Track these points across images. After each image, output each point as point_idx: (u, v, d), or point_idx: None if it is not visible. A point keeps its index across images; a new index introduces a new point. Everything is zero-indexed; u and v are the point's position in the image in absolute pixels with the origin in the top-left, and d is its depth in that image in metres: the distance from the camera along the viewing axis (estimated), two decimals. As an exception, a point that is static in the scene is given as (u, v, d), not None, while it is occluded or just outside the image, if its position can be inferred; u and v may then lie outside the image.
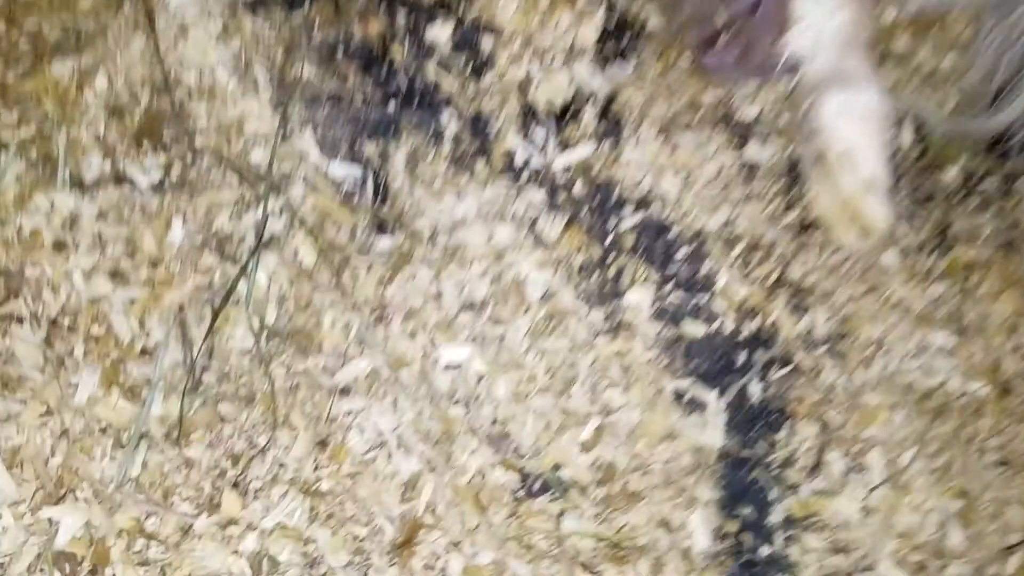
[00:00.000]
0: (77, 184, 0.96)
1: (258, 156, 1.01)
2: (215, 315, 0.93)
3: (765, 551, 0.98)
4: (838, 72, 1.03)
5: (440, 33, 1.09)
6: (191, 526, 0.86)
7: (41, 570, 0.83)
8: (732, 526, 0.98)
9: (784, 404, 1.03)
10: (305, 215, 0.99)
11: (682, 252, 1.07)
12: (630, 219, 1.07)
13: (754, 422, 1.02)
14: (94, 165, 0.97)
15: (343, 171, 1.03)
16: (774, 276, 1.08)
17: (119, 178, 0.97)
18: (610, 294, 1.03)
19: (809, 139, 1.03)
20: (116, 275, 0.93)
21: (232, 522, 0.87)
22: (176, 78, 1.01)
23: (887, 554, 0.98)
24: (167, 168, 0.98)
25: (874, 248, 1.03)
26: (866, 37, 1.05)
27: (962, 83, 1.16)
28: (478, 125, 1.08)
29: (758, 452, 1.01)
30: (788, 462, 1.01)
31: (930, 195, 1.15)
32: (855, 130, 1.01)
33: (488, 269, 1.00)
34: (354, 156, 1.04)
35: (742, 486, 1.00)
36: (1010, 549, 0.99)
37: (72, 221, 0.95)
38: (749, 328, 1.05)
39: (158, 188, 0.97)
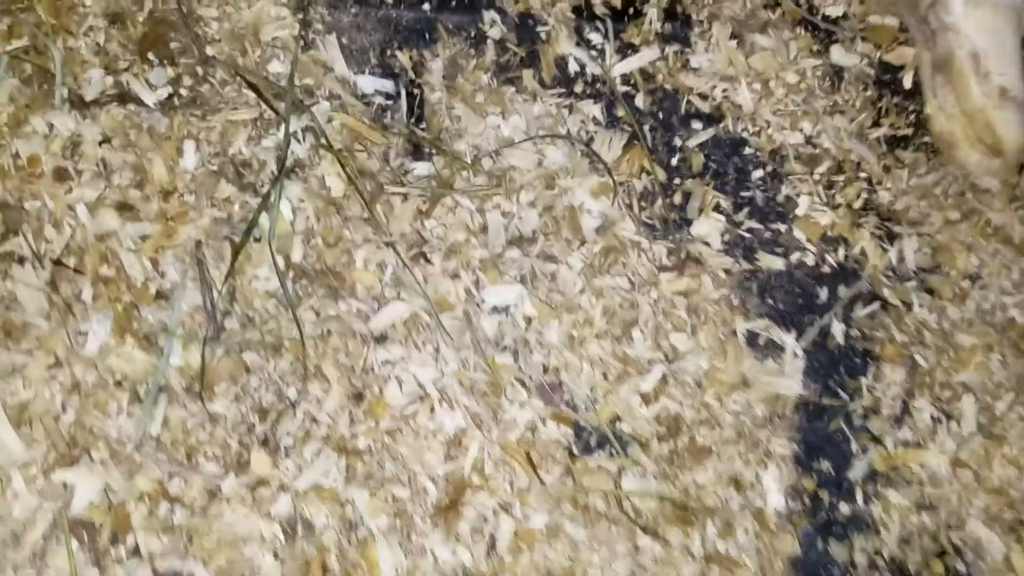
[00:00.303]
0: (77, 103, 0.85)
1: (277, 68, 0.89)
2: (235, 253, 0.83)
3: (845, 509, 0.89)
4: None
5: (481, -83, 0.95)
6: (218, 488, 0.79)
7: (57, 539, 0.77)
8: (809, 483, 0.89)
9: (869, 346, 0.92)
10: (332, 137, 0.87)
11: (758, 174, 0.94)
12: (699, 136, 0.94)
13: (835, 367, 0.92)
14: (94, 81, 0.85)
15: (373, 85, 0.92)
16: (860, 200, 0.95)
17: (123, 96, 0.86)
18: (675, 224, 0.92)
19: (931, 39, 0.89)
20: (124, 208, 0.83)
21: (262, 483, 0.80)
22: (181, -23, 0.88)
23: (977, 511, 0.89)
24: (176, 83, 0.87)
25: (1004, 171, 0.89)
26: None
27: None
28: (526, 27, 0.95)
29: (839, 400, 0.91)
30: (872, 411, 0.91)
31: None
32: (988, 28, 0.86)
33: (538, 198, 0.89)
34: (385, 67, 0.92)
35: (821, 438, 0.90)
36: (1117, 508, 0.89)
37: (73, 146, 0.85)
38: (832, 261, 0.93)
39: (167, 106, 0.86)
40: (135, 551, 0.78)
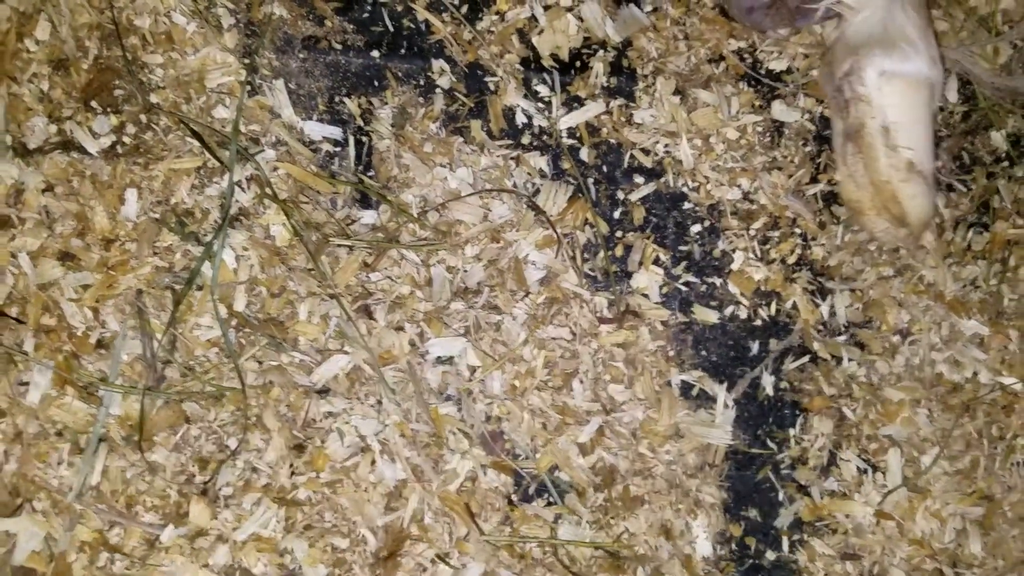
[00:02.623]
0: (20, 150, 0.84)
1: (223, 114, 0.89)
2: (177, 302, 0.83)
3: (771, 556, 0.93)
4: (885, 30, 0.90)
5: (431, -31, 0.95)
6: (157, 538, 0.80)
7: (-4, 588, 0.77)
8: (736, 530, 0.93)
9: (798, 398, 0.96)
10: (278, 185, 0.88)
11: (696, 228, 0.97)
12: (641, 190, 0.96)
13: (765, 418, 0.95)
14: (38, 128, 0.85)
15: (321, 131, 0.92)
16: (794, 256, 0.98)
17: (67, 143, 0.85)
18: (616, 276, 0.94)
19: (844, 108, 0.91)
20: (66, 257, 0.83)
21: (201, 533, 0.81)
22: (127, 23, 0.88)
23: (899, 561, 0.93)
24: (119, 131, 0.87)
25: (909, 240, 0.92)
26: (920, -11, 0.92)
27: (1019, 31, 1.03)
28: (475, 77, 0.96)
29: (768, 450, 0.94)
30: (799, 461, 0.95)
31: (973, 163, 1.04)
32: (900, 102, 0.89)
33: (483, 251, 0.90)
34: (333, 114, 0.93)
35: (749, 487, 0.94)
36: (1029, 559, 0.94)
37: (16, 193, 0.85)
38: (764, 314, 0.96)
39: (109, 154, 0.86)
40: (73, 599, 0.79)
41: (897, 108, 0.89)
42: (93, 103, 0.86)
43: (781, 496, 0.94)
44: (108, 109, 0.86)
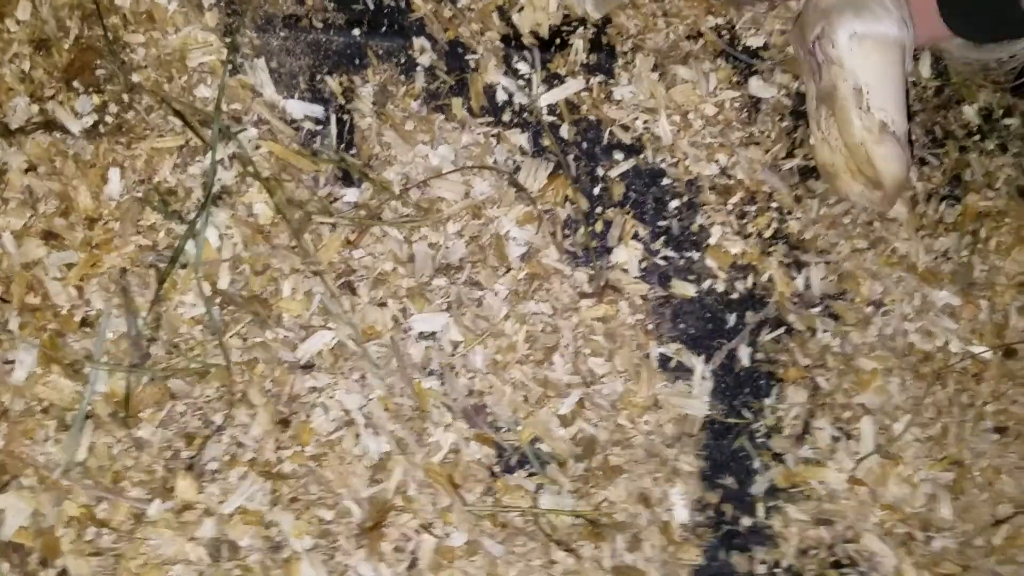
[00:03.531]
0: (2, 131, 0.85)
1: (204, 93, 0.90)
2: (161, 280, 0.84)
3: (746, 522, 0.95)
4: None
5: (410, -54, 0.96)
6: (144, 512, 0.81)
7: (-13, 562, 0.79)
8: (713, 497, 0.95)
9: (773, 369, 0.98)
10: (260, 164, 0.89)
11: (674, 204, 0.98)
12: (620, 166, 0.98)
13: (741, 388, 0.97)
14: (20, 109, 0.85)
15: (302, 110, 0.93)
16: (770, 230, 1.00)
17: (49, 123, 0.85)
18: (596, 252, 0.96)
19: (817, 71, 0.92)
20: (50, 236, 0.84)
21: (188, 507, 0.82)
22: (108, 3, 0.88)
23: (872, 526, 0.96)
24: (101, 110, 0.87)
25: (884, 203, 0.93)
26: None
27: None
28: (455, 55, 0.96)
29: (744, 420, 0.96)
30: (774, 430, 0.97)
31: (945, 137, 1.06)
32: (872, 63, 0.89)
33: (465, 227, 0.92)
34: (314, 92, 0.93)
35: (725, 456, 0.96)
36: (1000, 522, 0.96)
37: (-1, 173, 0.85)
38: (741, 287, 0.98)
39: (92, 134, 0.86)
40: (64, 573, 0.81)
41: (869, 70, 0.89)
42: (75, 83, 0.86)
43: (757, 464, 0.96)
44: (90, 89, 0.87)
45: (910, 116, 1.04)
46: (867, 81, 0.89)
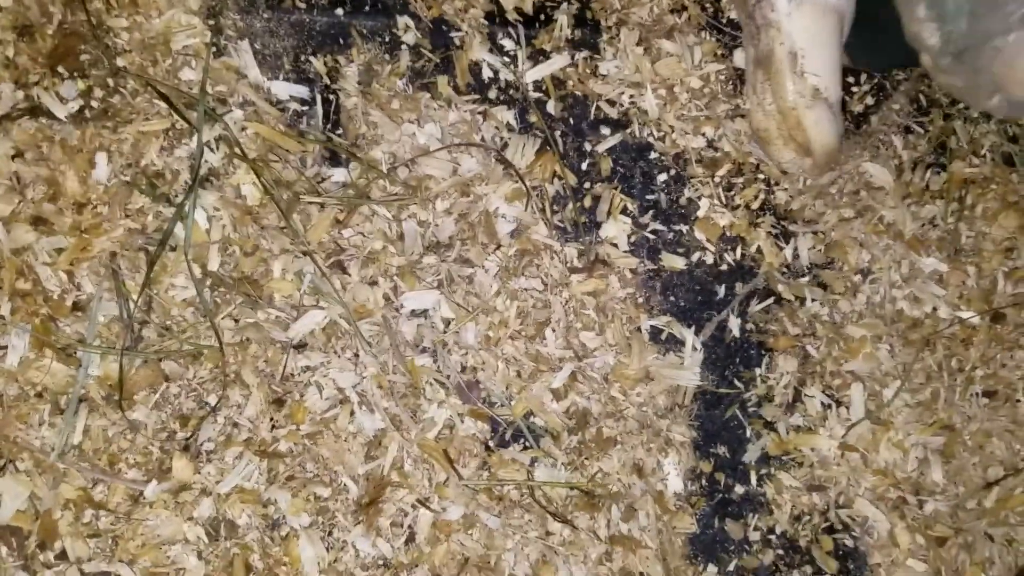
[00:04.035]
0: (-14, 116, 0.84)
1: (189, 76, 0.89)
2: (151, 263, 0.84)
3: (739, 490, 0.96)
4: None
5: (392, -75, 0.96)
6: (141, 494, 0.82)
7: (-15, 546, 0.79)
8: (706, 466, 0.96)
9: (763, 339, 0.98)
10: (247, 145, 0.89)
11: (662, 178, 0.99)
12: (607, 141, 0.98)
13: (732, 359, 0.98)
14: (5, 95, 0.85)
15: (288, 91, 0.92)
16: (758, 201, 1.00)
17: (34, 109, 0.85)
18: (585, 227, 0.96)
19: (755, 35, 0.91)
20: (39, 222, 0.84)
21: (185, 487, 0.83)
22: (89, -14, 0.88)
23: (864, 491, 0.97)
24: (87, 95, 0.87)
25: (814, 171, 0.93)
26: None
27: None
28: (439, 33, 0.96)
29: (735, 389, 0.97)
30: (765, 399, 0.98)
31: (930, 105, 1.06)
32: (809, 28, 0.88)
33: (453, 205, 0.92)
34: (299, 73, 0.93)
35: (717, 425, 0.97)
36: (991, 484, 0.97)
37: (-16, 159, 0.85)
38: (730, 259, 0.99)
39: (78, 119, 0.86)
40: (63, 555, 0.81)
41: (806, 34, 0.88)
42: (59, 68, 0.86)
43: (748, 433, 0.97)
44: (75, 74, 0.86)
45: (894, 86, 1.05)
46: (803, 46, 0.89)
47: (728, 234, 0.99)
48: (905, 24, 0.88)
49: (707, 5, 1.02)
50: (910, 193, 1.03)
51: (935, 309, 1.01)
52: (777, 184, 1.00)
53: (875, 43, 0.95)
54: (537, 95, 0.97)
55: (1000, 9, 0.81)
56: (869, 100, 1.04)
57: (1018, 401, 1.00)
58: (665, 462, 0.94)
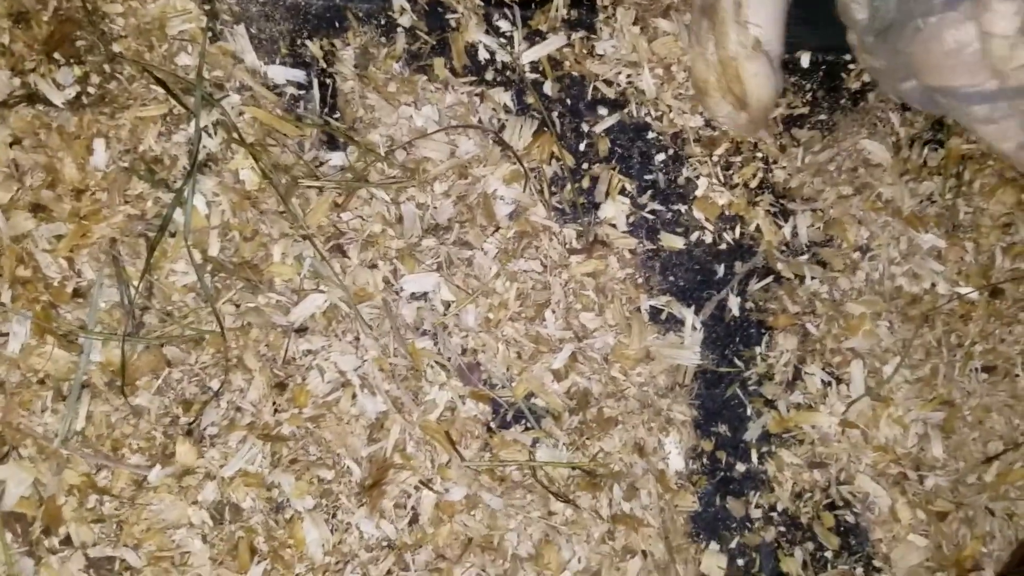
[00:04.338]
0: (-17, 104, 0.84)
1: (186, 61, 0.89)
2: (151, 249, 0.84)
3: (741, 468, 0.97)
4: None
5: (386, -94, 0.95)
6: (145, 479, 0.82)
7: (-10, 532, 0.79)
8: (707, 445, 0.96)
9: (763, 317, 0.99)
10: (244, 130, 0.89)
11: (660, 157, 0.99)
12: (605, 122, 0.98)
13: (732, 338, 0.98)
14: (2, 82, 0.85)
15: (284, 75, 0.92)
16: (756, 180, 1.00)
17: (31, 96, 0.85)
18: (584, 208, 0.96)
19: None
20: (38, 209, 0.84)
21: (189, 472, 0.83)
22: (83, -28, 0.88)
23: (865, 467, 0.97)
24: (83, 81, 0.87)
25: (749, 127, 0.93)
26: None
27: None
28: (435, 15, 0.96)
29: (735, 368, 0.98)
30: (766, 377, 0.98)
31: (927, 82, 1.06)
32: None
33: (452, 187, 0.92)
34: (296, 57, 0.93)
35: (718, 404, 0.97)
36: (991, 459, 0.98)
37: (-18, 147, 0.85)
38: (729, 238, 0.99)
39: (75, 105, 0.86)
40: (67, 541, 0.82)
41: None
42: (56, 55, 0.86)
43: (749, 411, 0.97)
44: (71, 60, 0.86)
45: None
46: None
47: (727, 213, 0.99)
48: None
49: (703, -16, 1.01)
50: (908, 170, 1.03)
51: (934, 285, 1.01)
52: (775, 162, 1.00)
53: (813, 17, 0.93)
54: (534, 76, 0.97)
55: None
56: (866, 77, 1.03)
57: (1017, 376, 1.01)
58: (666, 441, 0.94)
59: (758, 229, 0.99)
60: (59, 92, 0.85)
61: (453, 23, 0.96)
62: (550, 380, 0.92)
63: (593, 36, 0.98)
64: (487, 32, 0.96)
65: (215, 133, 0.88)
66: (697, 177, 0.99)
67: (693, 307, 0.97)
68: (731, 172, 0.99)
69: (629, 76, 0.98)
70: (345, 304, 0.87)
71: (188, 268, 0.85)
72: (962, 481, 0.97)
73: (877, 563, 0.97)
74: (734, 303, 0.98)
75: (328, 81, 0.93)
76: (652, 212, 0.97)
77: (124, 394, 0.83)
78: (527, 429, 0.91)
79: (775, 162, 1.00)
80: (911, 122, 1.04)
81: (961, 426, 0.99)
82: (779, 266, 0.99)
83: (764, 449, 0.97)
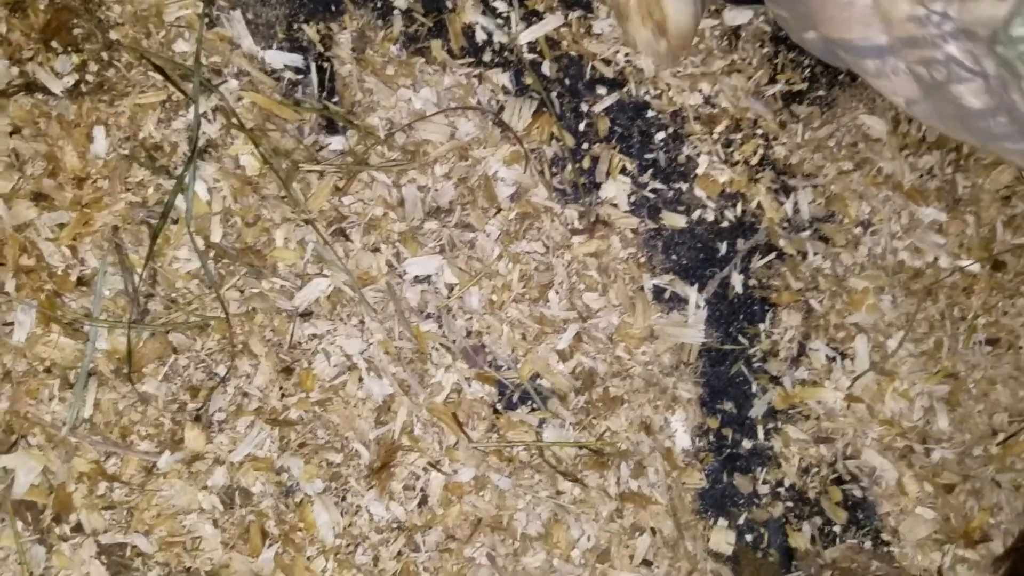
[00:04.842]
0: (-18, 94, 0.84)
1: (183, 47, 0.89)
2: (154, 236, 0.84)
3: (747, 445, 0.97)
4: None
5: None
6: (154, 465, 0.82)
7: (1, 520, 0.79)
8: (713, 422, 0.96)
9: (766, 294, 0.99)
10: (243, 115, 0.89)
11: (660, 136, 0.99)
12: (604, 101, 0.98)
13: (735, 315, 0.98)
14: (0, 71, 0.84)
15: (282, 60, 0.92)
16: (757, 156, 1.00)
17: (30, 85, 0.85)
18: (585, 188, 0.96)
19: None
20: (39, 198, 0.84)
21: (198, 457, 0.83)
22: (78, -40, 0.87)
23: (871, 442, 0.97)
24: (82, 69, 0.86)
25: (667, 58, 0.92)
26: None
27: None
28: (431, -4, 0.96)
29: (740, 345, 0.98)
30: (770, 354, 0.98)
31: (925, 56, 1.06)
32: None
33: (452, 169, 0.92)
34: (293, 41, 0.93)
35: (723, 381, 0.97)
36: (997, 432, 0.98)
37: (-18, 137, 0.84)
38: (730, 215, 0.99)
39: (74, 94, 0.86)
40: (78, 528, 0.82)
41: None
42: (53, 43, 0.85)
43: (754, 388, 0.97)
44: (69, 48, 0.86)
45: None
46: None
47: (728, 190, 0.99)
48: None
49: (700, -38, 1.01)
50: (907, 144, 1.03)
51: (936, 259, 1.01)
52: (775, 139, 1.00)
53: None
54: (532, 56, 0.96)
55: None
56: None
57: (1021, 348, 1.01)
58: (672, 419, 0.94)
59: (759, 206, 0.99)
60: (57, 80, 0.85)
61: (450, 4, 0.96)
62: (555, 361, 0.92)
63: (590, 15, 0.98)
64: (484, 13, 0.96)
65: (214, 119, 0.88)
66: (698, 155, 0.99)
67: (696, 285, 0.97)
68: (731, 149, 0.99)
69: (627, 55, 0.98)
70: (349, 288, 0.87)
71: (191, 255, 0.85)
72: (968, 453, 0.98)
73: (885, 536, 0.97)
74: (737, 280, 0.98)
75: (326, 65, 0.93)
76: (653, 191, 0.98)
77: (131, 381, 0.83)
78: (533, 410, 0.92)
79: (775, 139, 1.00)
80: (910, 96, 1.04)
81: (966, 398, 0.99)
82: (781, 243, 0.99)
83: (770, 425, 0.97)
